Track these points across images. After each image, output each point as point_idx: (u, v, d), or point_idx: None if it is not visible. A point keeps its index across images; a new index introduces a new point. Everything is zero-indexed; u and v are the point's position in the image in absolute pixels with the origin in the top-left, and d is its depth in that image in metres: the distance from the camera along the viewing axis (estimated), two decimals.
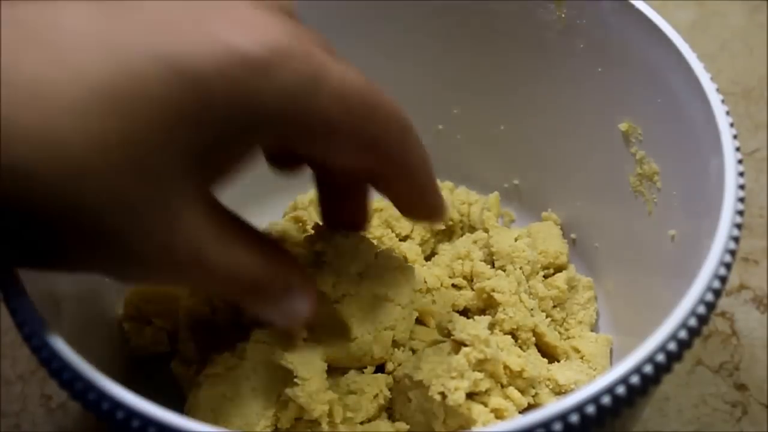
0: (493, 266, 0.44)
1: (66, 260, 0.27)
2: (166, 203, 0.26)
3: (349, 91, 0.28)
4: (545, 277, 0.45)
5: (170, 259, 0.27)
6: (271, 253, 0.31)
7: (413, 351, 0.39)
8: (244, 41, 0.25)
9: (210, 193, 0.29)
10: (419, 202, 0.35)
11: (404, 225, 0.46)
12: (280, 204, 0.47)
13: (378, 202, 0.47)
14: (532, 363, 0.39)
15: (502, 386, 0.38)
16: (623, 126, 0.42)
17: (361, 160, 0.30)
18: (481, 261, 0.44)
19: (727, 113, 0.35)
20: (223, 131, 0.26)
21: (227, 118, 0.26)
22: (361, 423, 0.37)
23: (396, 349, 0.38)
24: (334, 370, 0.37)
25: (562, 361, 0.42)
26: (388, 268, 0.38)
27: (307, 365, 0.35)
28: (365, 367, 0.38)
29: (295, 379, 0.35)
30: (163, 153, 0.25)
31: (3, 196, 0.24)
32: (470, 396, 0.36)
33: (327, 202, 0.37)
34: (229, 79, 0.25)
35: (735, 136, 0.34)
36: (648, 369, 0.28)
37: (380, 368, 0.39)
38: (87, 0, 0.26)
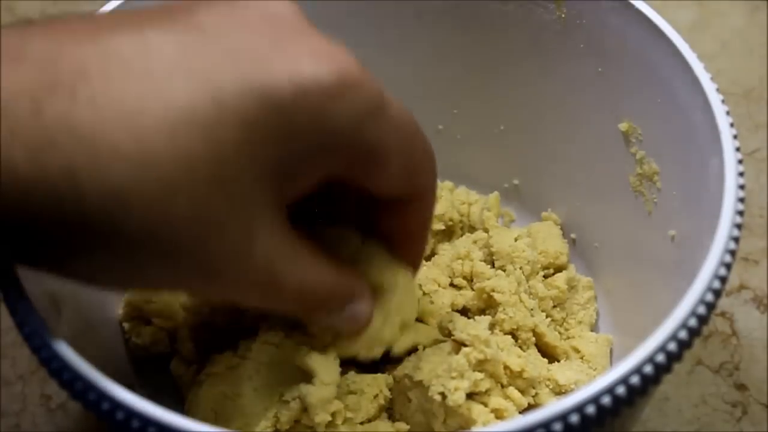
0: (493, 266, 0.44)
1: (145, 277, 0.28)
2: (246, 219, 0.28)
3: (404, 119, 0.31)
4: (545, 277, 0.45)
5: (246, 273, 0.29)
6: (335, 266, 0.33)
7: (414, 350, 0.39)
8: (320, 70, 0.28)
9: (283, 212, 0.30)
10: (417, 234, 0.37)
11: None
12: None
13: None
14: (532, 363, 0.39)
15: (502, 386, 0.38)
16: (623, 126, 0.42)
17: (397, 183, 0.32)
18: (481, 261, 0.44)
19: (727, 113, 0.35)
20: (299, 152, 0.28)
21: (304, 140, 0.28)
22: (361, 423, 0.37)
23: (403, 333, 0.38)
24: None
25: (562, 361, 0.42)
26: (378, 254, 0.38)
27: (328, 370, 0.36)
28: (366, 363, 0.38)
29: (314, 380, 0.35)
30: (244, 172, 0.27)
31: (99, 214, 0.25)
32: (470, 396, 0.36)
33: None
34: (308, 104, 0.27)
35: (735, 136, 0.34)
36: (648, 369, 0.28)
37: (375, 366, 0.39)
38: (169, 29, 0.27)
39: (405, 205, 0.35)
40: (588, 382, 0.33)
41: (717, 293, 0.31)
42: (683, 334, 0.29)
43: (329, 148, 0.29)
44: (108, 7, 0.40)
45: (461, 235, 0.47)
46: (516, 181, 0.50)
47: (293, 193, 0.30)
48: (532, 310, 0.42)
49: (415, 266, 0.38)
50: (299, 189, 0.30)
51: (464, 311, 0.43)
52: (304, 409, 0.36)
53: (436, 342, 0.39)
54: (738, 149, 0.34)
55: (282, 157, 0.28)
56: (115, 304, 0.43)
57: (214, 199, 0.27)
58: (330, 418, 0.36)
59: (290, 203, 0.31)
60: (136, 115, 0.25)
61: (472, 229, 0.47)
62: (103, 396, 0.28)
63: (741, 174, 0.33)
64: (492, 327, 0.41)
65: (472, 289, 0.43)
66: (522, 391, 0.38)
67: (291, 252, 0.30)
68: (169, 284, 0.30)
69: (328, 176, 0.31)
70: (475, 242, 0.45)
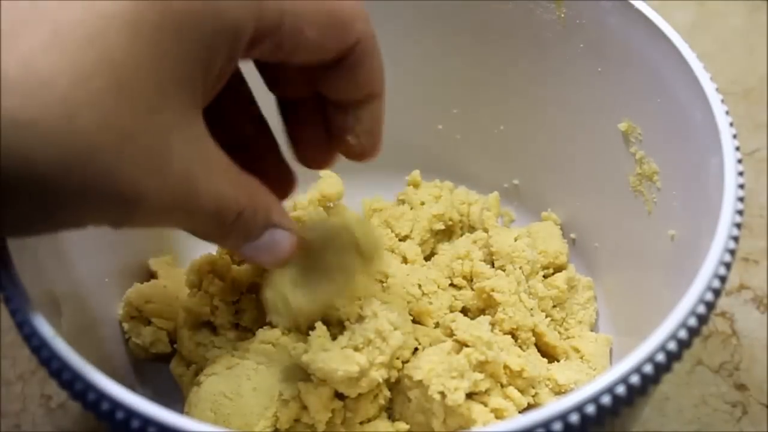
0: (492, 266, 0.44)
1: (63, 214, 0.26)
2: (158, 127, 0.27)
3: None
4: (545, 277, 0.45)
5: (164, 184, 0.27)
6: (253, 188, 0.32)
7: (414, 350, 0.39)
8: None
9: (199, 120, 0.29)
10: (374, 131, 0.36)
11: (404, 225, 0.46)
12: None
13: (377, 202, 0.47)
14: (531, 363, 0.39)
15: (502, 386, 0.38)
16: (623, 126, 0.42)
17: (327, 44, 0.31)
18: (480, 261, 0.44)
19: (727, 113, 0.35)
20: (200, 48, 0.27)
21: (200, 31, 0.27)
22: (361, 423, 0.37)
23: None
24: None
25: (562, 361, 0.42)
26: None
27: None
28: None
29: (312, 377, 0.35)
30: (144, 77, 0.26)
31: (5, 153, 0.24)
32: (470, 396, 0.36)
33: (293, 132, 0.37)
34: None
35: (735, 136, 0.35)
36: (648, 369, 0.28)
37: None
38: None
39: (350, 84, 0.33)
40: (588, 382, 0.33)
41: (717, 293, 0.31)
42: (683, 334, 0.29)
43: (229, 32, 0.28)
44: None
45: (461, 235, 0.47)
46: (516, 181, 0.50)
47: (206, 91, 0.29)
48: (531, 309, 0.42)
49: (373, 154, 0.37)
50: (214, 85, 0.29)
51: (464, 311, 0.43)
52: (304, 407, 0.36)
53: (436, 342, 0.39)
54: (738, 149, 0.34)
55: (183, 57, 0.27)
56: (115, 304, 0.43)
57: (120, 108, 0.25)
58: (330, 415, 0.36)
59: (209, 101, 0.29)
60: (15, 38, 0.24)
61: (472, 229, 0.47)
62: (102, 396, 0.28)
63: (741, 174, 0.33)
64: (492, 327, 0.41)
65: (472, 289, 0.43)
66: (522, 391, 0.38)
67: (208, 159, 0.29)
68: (82, 217, 0.27)
69: (259, 55, 0.30)
70: (474, 242, 0.45)
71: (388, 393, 0.38)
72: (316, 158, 0.37)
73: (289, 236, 0.33)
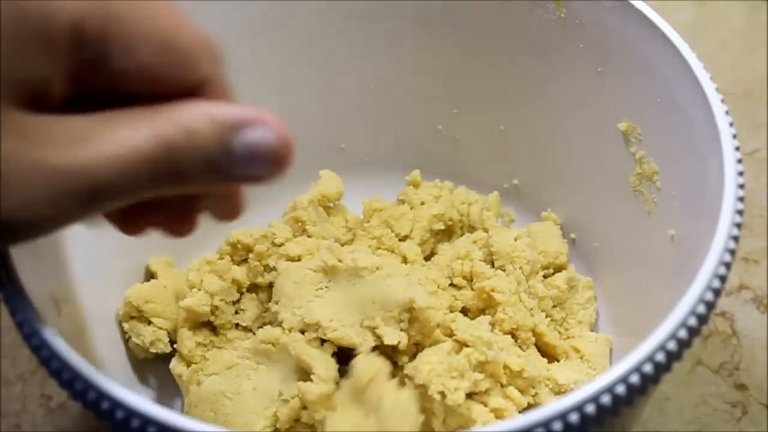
0: (492, 266, 0.44)
1: None
2: None
3: None
4: (545, 276, 0.45)
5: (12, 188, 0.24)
6: (170, 110, 0.27)
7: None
8: None
9: (17, 113, 0.25)
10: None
11: (404, 225, 0.46)
12: (279, 204, 0.47)
13: (378, 201, 0.47)
14: (531, 363, 0.39)
15: (502, 386, 0.38)
16: (623, 126, 0.42)
17: (158, 68, 0.27)
18: (480, 261, 0.44)
19: (727, 113, 0.35)
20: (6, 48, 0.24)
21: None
22: None
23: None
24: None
25: (561, 361, 0.42)
26: None
27: (325, 367, 0.35)
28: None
29: (312, 376, 0.35)
30: None
31: None
32: (470, 396, 0.36)
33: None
34: None
35: (734, 136, 0.35)
36: (648, 368, 0.28)
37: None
38: None
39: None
40: (588, 382, 0.33)
41: (717, 292, 0.31)
42: (683, 334, 0.29)
43: (37, 26, 0.24)
44: None
45: (461, 235, 0.47)
46: (516, 181, 0.50)
47: (32, 81, 0.25)
48: (531, 309, 0.42)
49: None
50: (47, 81, 0.25)
51: (464, 311, 0.43)
52: (304, 407, 0.36)
53: (436, 342, 0.39)
54: (737, 149, 0.34)
55: None
56: (115, 304, 0.43)
57: None
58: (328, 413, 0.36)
59: (58, 99, 0.26)
60: None
61: (472, 229, 0.47)
62: (102, 395, 0.28)
63: (741, 174, 0.33)
64: (492, 327, 0.41)
65: (472, 289, 0.43)
66: (522, 391, 0.38)
67: (55, 133, 0.25)
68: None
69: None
70: (474, 242, 0.45)
71: None
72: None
73: (272, 128, 0.27)
